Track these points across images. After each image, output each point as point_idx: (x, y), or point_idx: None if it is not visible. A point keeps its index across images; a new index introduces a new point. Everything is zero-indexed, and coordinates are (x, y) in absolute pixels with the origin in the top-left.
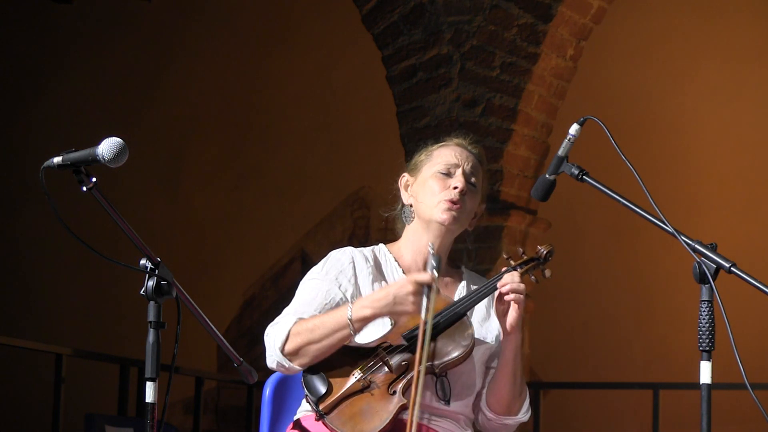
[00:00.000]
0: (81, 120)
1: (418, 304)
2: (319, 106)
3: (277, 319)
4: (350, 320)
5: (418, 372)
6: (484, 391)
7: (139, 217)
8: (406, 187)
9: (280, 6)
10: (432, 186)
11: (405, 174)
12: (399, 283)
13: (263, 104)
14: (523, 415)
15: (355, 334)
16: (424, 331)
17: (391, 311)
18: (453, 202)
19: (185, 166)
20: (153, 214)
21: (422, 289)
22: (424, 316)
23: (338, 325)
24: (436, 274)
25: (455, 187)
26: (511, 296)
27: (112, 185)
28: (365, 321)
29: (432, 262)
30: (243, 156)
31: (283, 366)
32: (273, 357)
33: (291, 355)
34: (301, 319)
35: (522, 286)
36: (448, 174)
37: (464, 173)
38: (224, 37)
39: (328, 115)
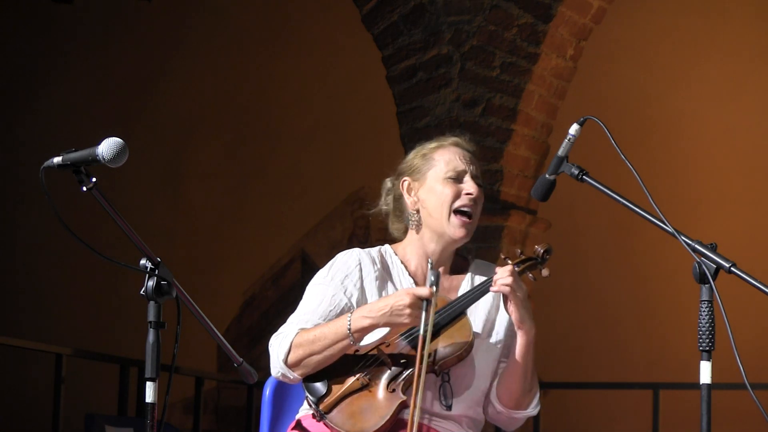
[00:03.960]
0: (81, 120)
1: (415, 317)
2: (319, 106)
3: (281, 329)
4: (350, 330)
5: (418, 384)
6: (495, 383)
7: (139, 217)
8: (410, 191)
9: (280, 6)
10: (442, 193)
11: (406, 178)
12: (397, 295)
13: (263, 104)
14: (533, 409)
15: (356, 343)
16: (423, 344)
17: (389, 322)
18: (466, 214)
19: (185, 166)
20: (153, 214)
21: (420, 302)
22: (423, 329)
23: (338, 336)
24: (434, 288)
25: (468, 193)
26: (497, 286)
27: (112, 185)
28: (365, 331)
29: (430, 277)
30: (243, 156)
31: (287, 377)
32: (277, 368)
33: (294, 366)
34: (303, 329)
35: (506, 271)
36: (457, 179)
37: (473, 177)
38: (224, 37)
39: (328, 115)
